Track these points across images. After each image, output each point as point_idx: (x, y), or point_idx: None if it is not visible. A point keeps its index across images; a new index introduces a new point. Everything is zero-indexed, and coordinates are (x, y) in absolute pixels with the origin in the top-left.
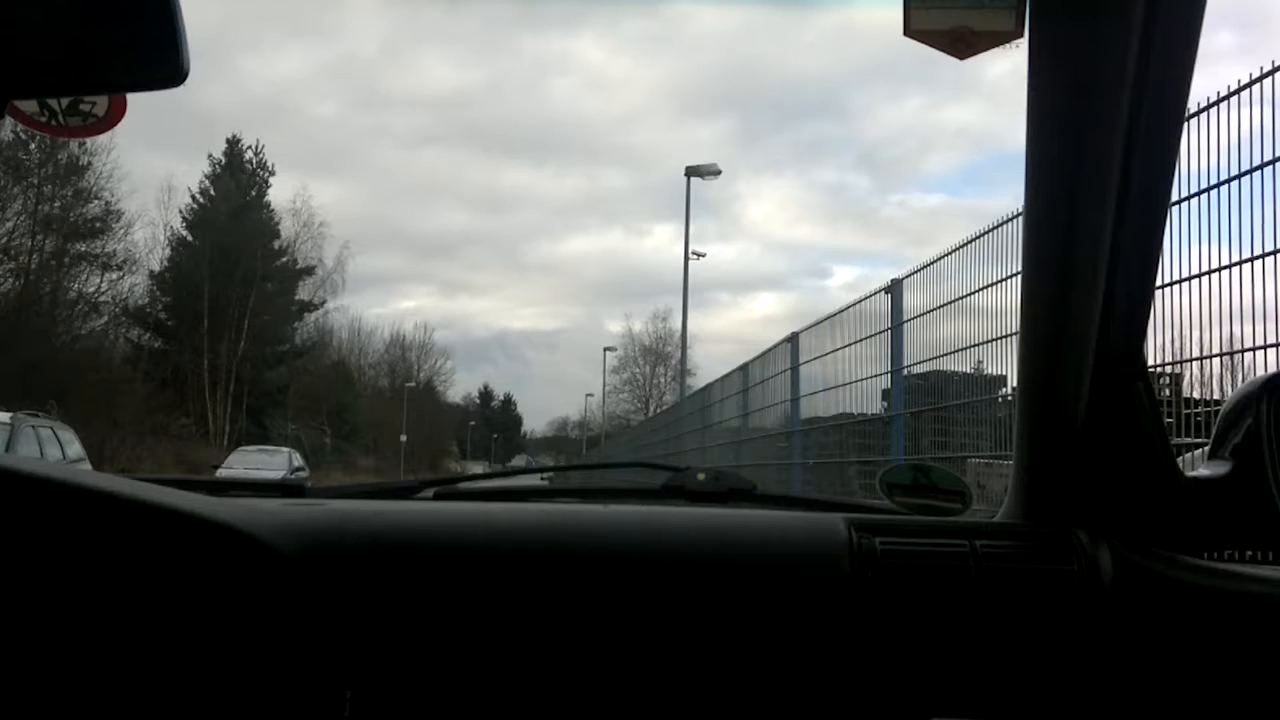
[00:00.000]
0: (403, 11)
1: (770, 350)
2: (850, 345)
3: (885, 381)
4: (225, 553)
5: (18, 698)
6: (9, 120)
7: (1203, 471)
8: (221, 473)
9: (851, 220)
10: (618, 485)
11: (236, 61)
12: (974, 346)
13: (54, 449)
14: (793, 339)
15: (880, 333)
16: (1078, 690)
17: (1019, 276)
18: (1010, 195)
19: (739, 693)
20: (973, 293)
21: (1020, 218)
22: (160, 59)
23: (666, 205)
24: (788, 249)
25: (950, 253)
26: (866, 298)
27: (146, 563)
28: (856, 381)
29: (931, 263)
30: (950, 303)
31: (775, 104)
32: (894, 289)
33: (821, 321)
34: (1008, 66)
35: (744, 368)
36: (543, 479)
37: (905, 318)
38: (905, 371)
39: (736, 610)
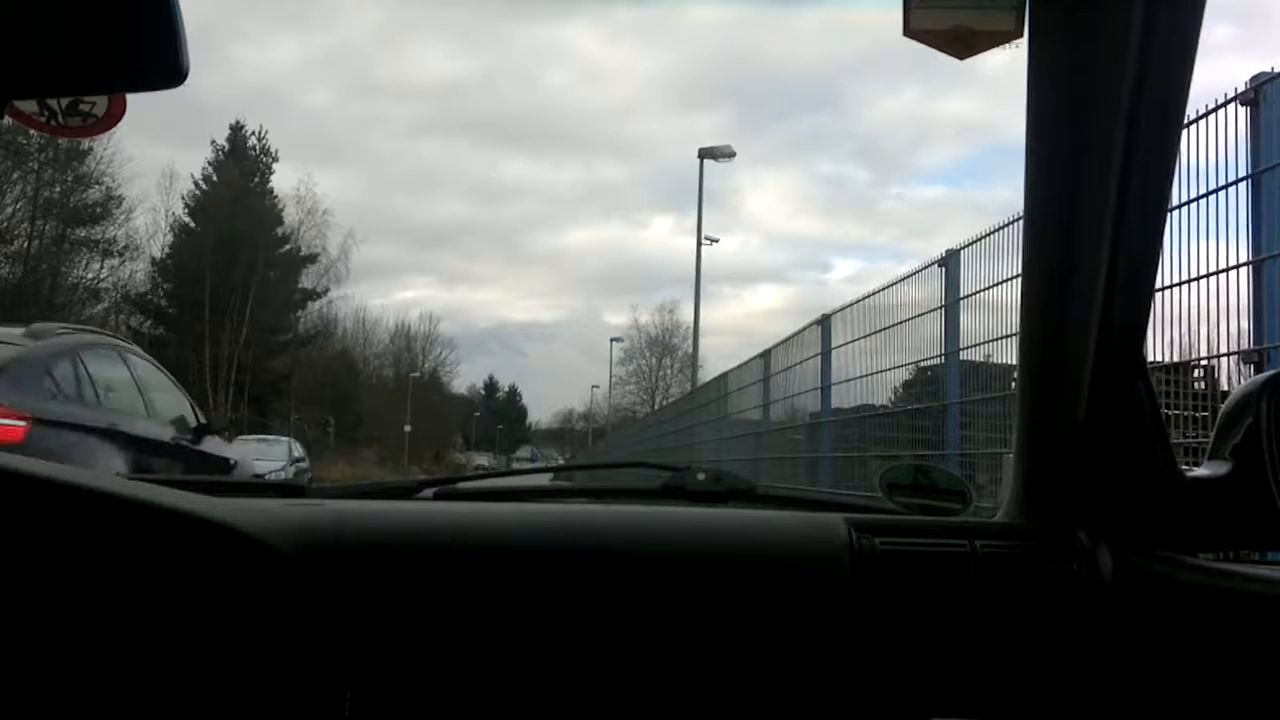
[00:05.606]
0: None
1: (796, 334)
2: (893, 326)
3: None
4: (225, 553)
5: (18, 698)
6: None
7: (1203, 471)
8: None
9: (851, 213)
10: (618, 485)
11: (232, 50)
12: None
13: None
14: (824, 321)
15: (931, 311)
16: (1078, 690)
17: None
18: (1010, 187)
19: (739, 693)
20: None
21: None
22: (160, 59)
23: (664, 196)
24: (788, 242)
25: (1007, 225)
26: (917, 271)
27: (146, 563)
28: (900, 366)
29: (985, 235)
30: (1010, 279)
31: (772, 95)
32: (948, 260)
33: (863, 299)
34: (1005, 58)
35: (766, 354)
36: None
37: (961, 294)
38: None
39: (736, 610)
